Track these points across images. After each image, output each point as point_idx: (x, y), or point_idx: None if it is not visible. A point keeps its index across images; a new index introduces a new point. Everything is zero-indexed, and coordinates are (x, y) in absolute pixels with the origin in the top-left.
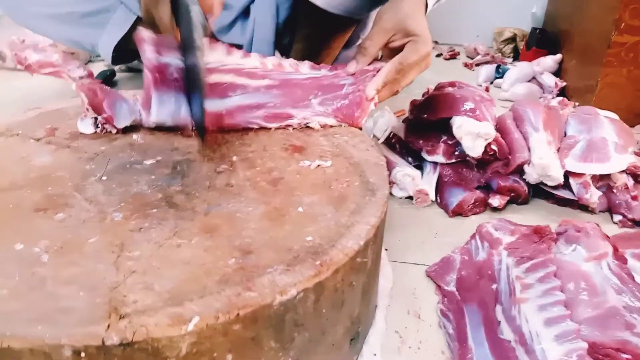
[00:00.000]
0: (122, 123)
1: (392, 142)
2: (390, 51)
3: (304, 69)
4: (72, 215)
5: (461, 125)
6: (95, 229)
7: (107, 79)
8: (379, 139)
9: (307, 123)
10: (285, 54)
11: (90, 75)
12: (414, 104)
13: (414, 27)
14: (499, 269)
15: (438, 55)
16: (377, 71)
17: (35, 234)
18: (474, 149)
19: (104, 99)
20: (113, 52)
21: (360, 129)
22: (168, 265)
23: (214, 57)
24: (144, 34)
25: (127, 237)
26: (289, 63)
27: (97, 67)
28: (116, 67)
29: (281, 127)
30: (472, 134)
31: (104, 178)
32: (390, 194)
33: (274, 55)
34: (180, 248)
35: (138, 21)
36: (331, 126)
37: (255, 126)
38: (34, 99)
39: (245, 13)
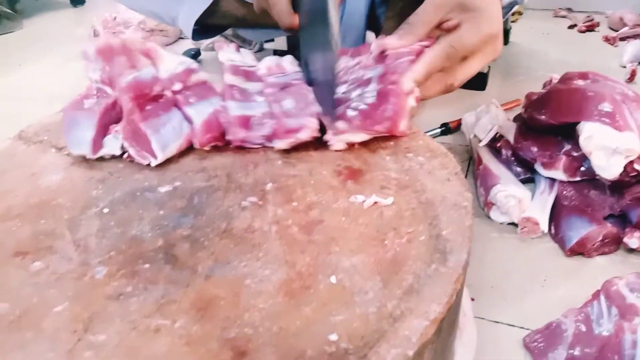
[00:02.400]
0: (161, 155)
1: (496, 147)
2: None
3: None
4: (50, 267)
5: (592, 136)
6: (67, 290)
7: (192, 58)
8: (480, 140)
9: (328, 143)
10: (377, 31)
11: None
12: (530, 99)
13: (474, 1)
14: (631, 355)
15: (571, 27)
16: (418, 54)
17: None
18: (608, 168)
19: (146, 118)
20: (194, 26)
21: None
22: None
23: (223, 57)
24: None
25: (99, 307)
26: (288, 61)
27: (186, 45)
28: (202, 46)
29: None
30: (607, 149)
31: (106, 211)
32: (488, 216)
33: (364, 34)
34: (157, 335)
35: None
36: (352, 144)
37: (256, 146)
38: None
39: None
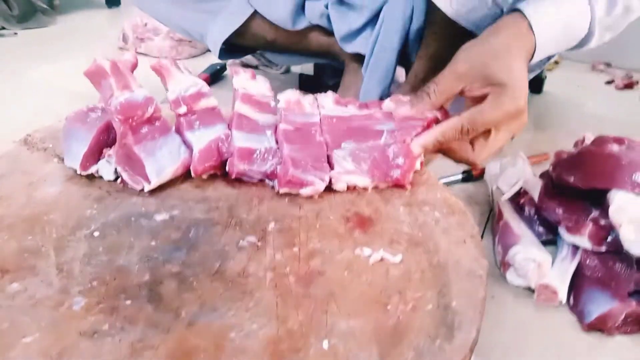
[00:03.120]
0: (155, 180)
1: (519, 202)
2: (472, 102)
3: (328, 104)
4: (28, 290)
5: (623, 207)
6: (41, 319)
7: (216, 73)
8: (503, 194)
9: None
10: (408, 70)
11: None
12: (560, 158)
13: (498, 73)
14: None
15: (608, 83)
16: (430, 123)
17: None
18: (637, 243)
19: (140, 140)
20: (222, 45)
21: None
22: None
23: (237, 83)
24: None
25: (71, 343)
26: (308, 102)
27: (213, 58)
28: (229, 61)
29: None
30: (638, 223)
31: (96, 234)
32: (503, 277)
33: (394, 69)
34: None
35: (255, 14)
36: (364, 188)
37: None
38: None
39: (375, 17)
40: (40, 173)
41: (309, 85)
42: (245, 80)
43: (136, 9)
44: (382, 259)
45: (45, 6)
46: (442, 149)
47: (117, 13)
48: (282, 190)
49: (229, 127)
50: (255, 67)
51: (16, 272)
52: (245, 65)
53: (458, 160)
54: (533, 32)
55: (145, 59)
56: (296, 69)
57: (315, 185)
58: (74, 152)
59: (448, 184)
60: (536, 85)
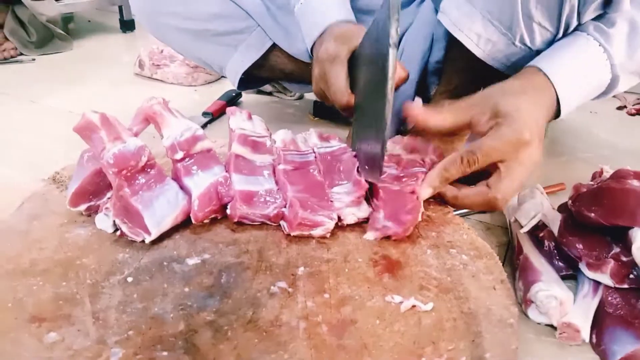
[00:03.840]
0: (155, 231)
1: (538, 236)
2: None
3: (314, 140)
4: (65, 340)
5: None
6: None
7: (232, 100)
8: (522, 226)
9: (341, 218)
10: (427, 101)
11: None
12: (579, 192)
13: (503, 105)
14: None
15: (620, 108)
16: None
17: None
18: None
19: (136, 192)
20: (241, 76)
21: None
22: None
23: (234, 123)
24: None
25: None
26: (301, 140)
27: (228, 84)
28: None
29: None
30: None
31: (130, 280)
32: (525, 314)
33: (412, 100)
34: None
35: (273, 47)
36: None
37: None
38: None
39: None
40: (71, 213)
41: (322, 111)
42: (242, 121)
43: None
44: (413, 307)
45: (61, 32)
46: (460, 204)
47: (132, 38)
48: (293, 233)
49: (226, 169)
50: (270, 94)
51: (53, 321)
52: (260, 92)
53: (479, 208)
54: (552, 84)
55: (161, 85)
56: (310, 95)
57: (325, 225)
58: (70, 188)
59: (466, 214)
60: None
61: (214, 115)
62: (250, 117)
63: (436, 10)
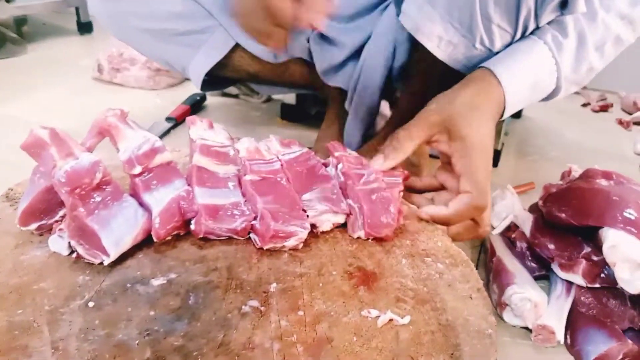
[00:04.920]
0: (114, 252)
1: (510, 237)
2: (442, 157)
3: (276, 147)
4: None
5: (616, 246)
6: None
7: (197, 104)
8: (493, 228)
9: (316, 226)
10: (392, 103)
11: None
12: (549, 192)
13: (461, 129)
14: None
15: (585, 105)
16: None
17: None
18: (632, 282)
19: (92, 211)
20: (204, 77)
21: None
22: None
23: (195, 133)
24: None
25: None
26: (264, 148)
27: (192, 88)
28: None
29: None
30: (633, 262)
31: (91, 304)
32: (500, 318)
33: (378, 105)
34: None
35: (237, 47)
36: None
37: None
38: None
39: (357, 53)
40: (26, 233)
41: (291, 114)
42: (203, 130)
43: (110, 36)
44: (390, 321)
45: (14, 35)
46: (449, 219)
47: (90, 40)
48: (266, 247)
49: (188, 182)
50: (236, 96)
51: (7, 354)
52: (226, 95)
53: (468, 215)
54: (502, 87)
55: (122, 90)
56: (278, 97)
57: (298, 235)
58: (20, 206)
59: None
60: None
61: (177, 120)
62: (211, 126)
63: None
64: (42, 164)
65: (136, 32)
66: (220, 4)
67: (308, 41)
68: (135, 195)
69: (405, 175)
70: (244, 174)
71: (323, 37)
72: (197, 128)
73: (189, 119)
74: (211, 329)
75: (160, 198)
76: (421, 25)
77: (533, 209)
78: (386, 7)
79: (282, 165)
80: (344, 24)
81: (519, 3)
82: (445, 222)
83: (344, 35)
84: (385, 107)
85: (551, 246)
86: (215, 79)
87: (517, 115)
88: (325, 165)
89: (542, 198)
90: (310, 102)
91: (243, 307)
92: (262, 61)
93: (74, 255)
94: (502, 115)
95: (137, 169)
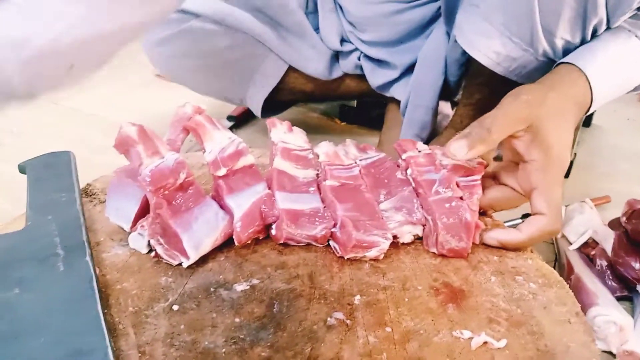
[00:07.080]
0: (194, 255)
1: (588, 253)
2: (512, 152)
3: (354, 152)
4: None
5: None
6: None
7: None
8: (570, 243)
9: (397, 237)
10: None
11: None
12: (634, 208)
13: (547, 136)
14: None
15: None
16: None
17: None
18: None
19: (175, 212)
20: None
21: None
22: None
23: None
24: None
25: None
26: (342, 153)
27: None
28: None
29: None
30: None
31: (175, 308)
32: None
33: (431, 122)
34: None
35: (290, 70)
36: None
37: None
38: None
39: (409, 71)
40: (106, 230)
41: (350, 116)
42: (283, 133)
43: None
44: (485, 344)
45: None
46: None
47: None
48: (347, 256)
49: (269, 185)
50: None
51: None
52: None
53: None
54: (590, 87)
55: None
56: None
57: (380, 245)
58: (121, 208)
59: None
60: (585, 118)
61: (238, 119)
62: (291, 129)
63: (448, 34)
64: (131, 161)
65: (190, 72)
66: (266, 31)
67: (359, 59)
68: (217, 197)
69: (485, 165)
70: (323, 179)
71: (372, 58)
72: (277, 130)
73: (269, 121)
74: (298, 340)
75: (242, 201)
76: (476, 41)
77: (614, 224)
78: (429, 34)
79: (360, 171)
80: (391, 47)
81: (585, 15)
82: (516, 249)
83: (392, 56)
84: (445, 107)
85: (636, 266)
86: (273, 104)
87: (587, 123)
88: (398, 166)
89: (626, 214)
90: (372, 104)
91: (328, 319)
92: (316, 79)
93: (152, 254)
94: (587, 112)
95: (222, 171)
